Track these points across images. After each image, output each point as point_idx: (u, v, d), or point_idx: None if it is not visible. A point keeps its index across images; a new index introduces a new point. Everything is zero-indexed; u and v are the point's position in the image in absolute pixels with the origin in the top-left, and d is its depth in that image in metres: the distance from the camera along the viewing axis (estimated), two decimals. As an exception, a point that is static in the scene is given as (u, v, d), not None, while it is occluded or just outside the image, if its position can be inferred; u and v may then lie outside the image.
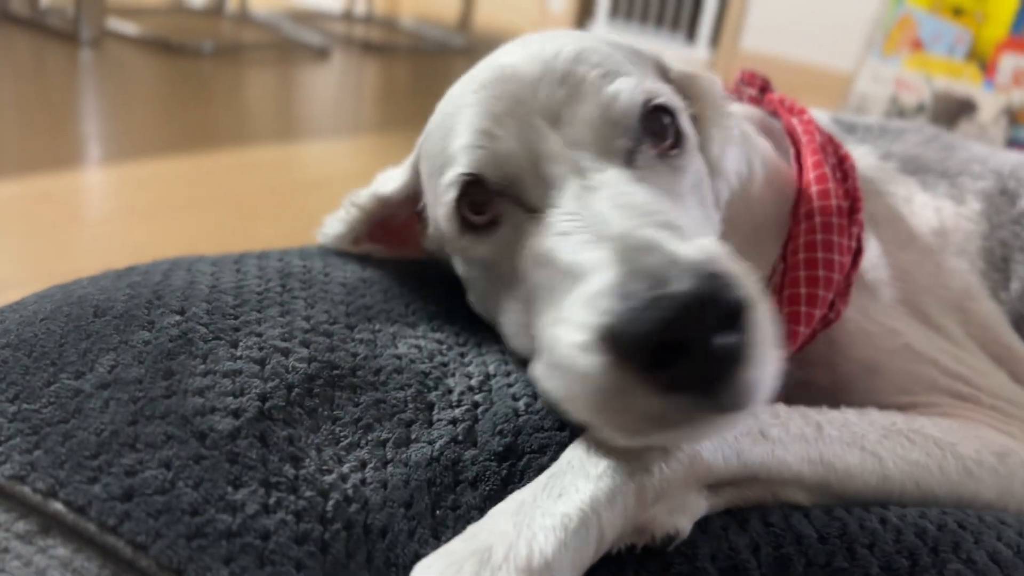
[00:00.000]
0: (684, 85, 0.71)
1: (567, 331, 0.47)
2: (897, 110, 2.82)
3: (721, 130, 0.70)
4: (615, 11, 6.35)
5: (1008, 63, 2.66)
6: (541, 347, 0.54)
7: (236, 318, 0.60)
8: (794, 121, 0.82)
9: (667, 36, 6.15)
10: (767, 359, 0.44)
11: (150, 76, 2.95)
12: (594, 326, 0.44)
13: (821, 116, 0.91)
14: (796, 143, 0.79)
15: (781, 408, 0.59)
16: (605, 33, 0.81)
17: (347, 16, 5.17)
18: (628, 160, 0.58)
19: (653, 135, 0.60)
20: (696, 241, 0.47)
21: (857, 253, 0.72)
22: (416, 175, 0.75)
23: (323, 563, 0.47)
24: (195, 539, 0.45)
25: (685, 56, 5.86)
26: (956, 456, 0.63)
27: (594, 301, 0.45)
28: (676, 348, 0.41)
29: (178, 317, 0.59)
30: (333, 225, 0.80)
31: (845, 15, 4.41)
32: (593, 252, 0.49)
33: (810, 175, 0.74)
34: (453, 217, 0.62)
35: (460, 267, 0.69)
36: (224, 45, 3.58)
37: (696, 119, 0.70)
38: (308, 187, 2.09)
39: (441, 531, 0.50)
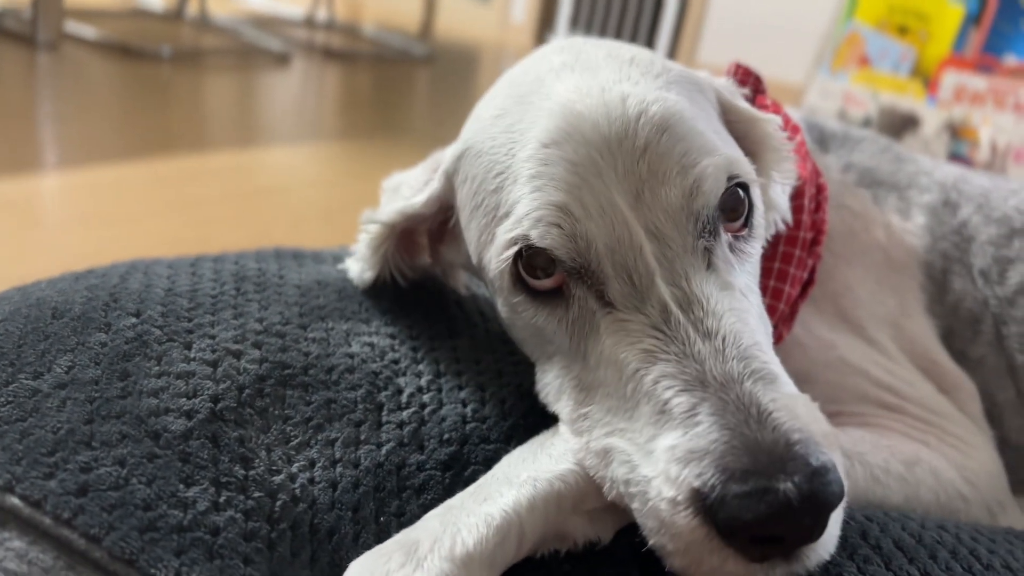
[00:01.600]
0: (744, 125, 0.68)
1: (660, 479, 0.46)
2: (844, 124, 2.90)
3: (783, 174, 0.68)
4: (575, 22, 6.41)
5: (950, 80, 2.76)
6: (586, 429, 0.54)
7: (190, 320, 0.62)
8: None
9: (626, 47, 6.23)
10: (838, 520, 0.46)
11: (108, 80, 2.93)
12: (690, 488, 0.44)
13: (798, 120, 0.88)
14: None
15: None
16: (661, 57, 0.69)
17: (308, 22, 5.16)
18: (708, 259, 0.54)
19: (725, 211, 0.56)
20: (794, 401, 0.47)
21: (808, 283, 0.74)
22: (450, 188, 0.67)
23: (270, 560, 0.50)
24: (147, 532, 0.47)
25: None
26: (864, 464, 0.67)
27: (691, 460, 0.44)
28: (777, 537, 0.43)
29: (134, 319, 0.61)
30: (359, 259, 0.74)
31: (797, 30, 4.52)
32: (688, 396, 0.47)
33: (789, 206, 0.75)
34: (507, 274, 0.57)
35: (503, 310, 0.63)
36: (183, 50, 3.57)
37: (751, 156, 0.66)
38: (268, 193, 2.10)
39: (384, 537, 0.52)
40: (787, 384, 0.49)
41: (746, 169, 0.57)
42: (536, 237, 0.53)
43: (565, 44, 0.66)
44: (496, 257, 0.57)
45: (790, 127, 0.77)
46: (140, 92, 2.86)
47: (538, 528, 0.50)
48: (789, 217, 0.70)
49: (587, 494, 0.52)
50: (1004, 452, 0.79)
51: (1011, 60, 2.67)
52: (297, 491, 0.53)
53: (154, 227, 1.73)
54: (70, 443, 0.51)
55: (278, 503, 0.52)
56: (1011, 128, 2.67)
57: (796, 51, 4.40)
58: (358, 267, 0.74)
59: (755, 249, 0.59)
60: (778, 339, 0.72)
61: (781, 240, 0.72)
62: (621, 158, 0.53)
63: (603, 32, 6.28)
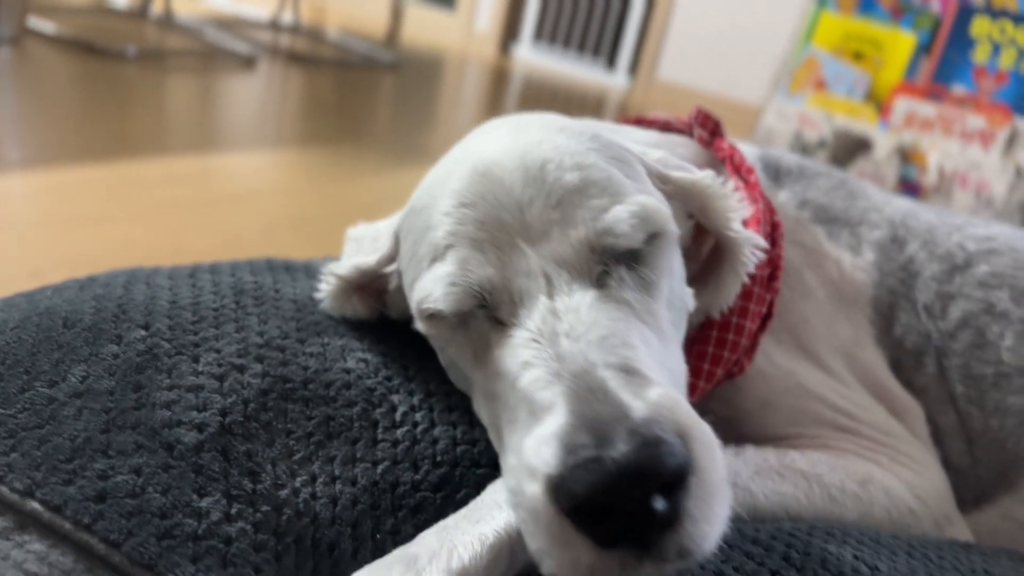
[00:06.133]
0: (682, 190, 0.71)
1: (521, 472, 0.48)
2: (800, 145, 2.99)
3: (733, 211, 0.71)
4: (539, 35, 6.48)
5: (901, 106, 2.86)
6: (502, 449, 0.57)
7: (196, 334, 0.65)
8: (740, 184, 0.85)
9: (588, 62, 6.31)
10: (713, 511, 0.46)
11: (71, 78, 2.90)
12: (541, 475, 0.46)
13: (752, 157, 0.96)
14: None
15: None
16: (591, 125, 0.69)
17: (273, 25, 5.14)
18: (600, 280, 0.58)
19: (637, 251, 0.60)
20: (652, 390, 0.48)
21: (767, 317, 0.79)
22: (396, 246, 0.74)
23: (277, 570, 0.53)
24: (164, 539, 0.50)
25: (605, 83, 6.02)
26: (821, 485, 0.73)
27: (543, 447, 0.46)
28: (611, 509, 0.43)
29: (143, 332, 0.63)
30: (324, 298, 0.78)
31: (755, 53, 4.63)
32: (548, 390, 0.50)
33: None
34: (422, 315, 0.63)
35: (433, 344, 0.70)
36: (148, 50, 3.54)
37: (702, 211, 0.71)
38: (230, 199, 2.11)
39: (380, 553, 0.56)
40: (650, 379, 0.50)
41: (662, 220, 0.61)
42: (440, 298, 0.59)
43: (514, 116, 0.71)
44: (414, 302, 0.63)
45: (744, 169, 0.83)
46: (104, 92, 2.84)
47: (527, 548, 0.54)
48: (760, 240, 0.73)
49: None
50: (948, 473, 0.85)
51: (959, 89, 2.79)
52: (300, 505, 0.56)
53: (122, 231, 1.73)
54: (87, 451, 0.53)
55: (284, 517, 0.55)
56: (957, 154, 2.78)
57: (755, 73, 4.51)
58: (325, 304, 0.77)
59: (663, 268, 0.62)
60: (740, 370, 0.77)
61: None
62: (534, 211, 0.58)
63: (566, 47, 6.36)
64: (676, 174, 0.71)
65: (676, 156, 0.82)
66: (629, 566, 0.44)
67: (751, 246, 0.71)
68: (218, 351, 0.64)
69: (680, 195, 0.71)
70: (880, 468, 0.78)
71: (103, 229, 1.72)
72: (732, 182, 0.74)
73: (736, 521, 0.65)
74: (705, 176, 0.72)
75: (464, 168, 0.63)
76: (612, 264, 0.58)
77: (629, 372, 0.50)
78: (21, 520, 0.50)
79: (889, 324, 0.90)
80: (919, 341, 0.89)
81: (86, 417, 0.55)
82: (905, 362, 0.89)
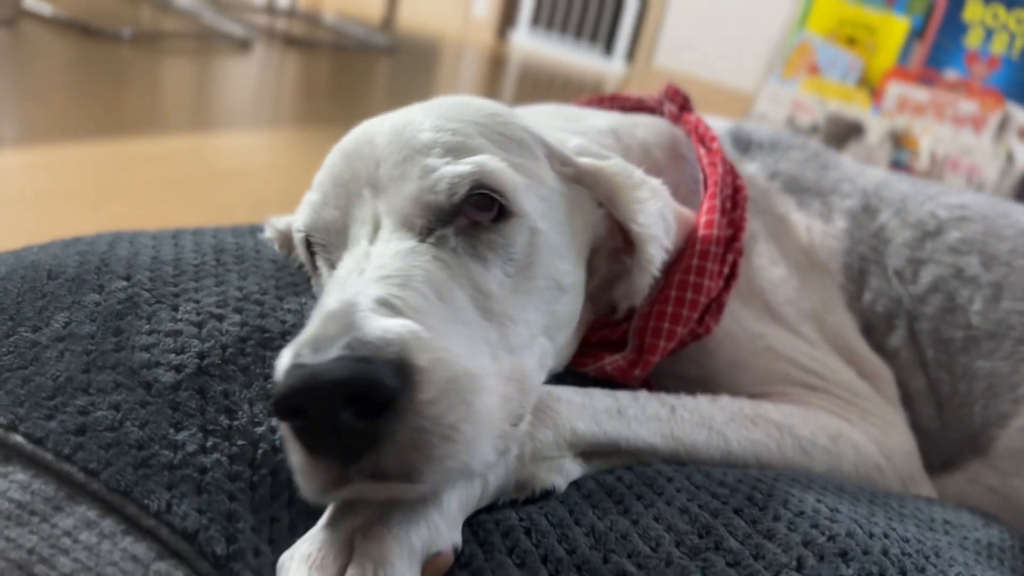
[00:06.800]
0: (588, 176, 0.73)
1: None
2: (793, 130, 3.01)
3: (639, 203, 0.71)
4: (536, 20, 6.49)
5: (894, 91, 2.88)
6: None
7: (176, 286, 0.67)
8: (702, 152, 0.88)
9: (586, 48, 6.32)
10: (431, 444, 0.47)
11: (67, 59, 2.91)
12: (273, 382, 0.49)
13: (720, 129, 1.00)
14: (705, 178, 0.86)
15: (642, 393, 0.71)
16: (515, 112, 0.76)
17: (269, 8, 5.15)
18: (425, 234, 0.61)
19: (478, 209, 0.62)
20: (395, 321, 0.49)
21: (730, 278, 0.80)
22: None
23: (252, 499, 0.55)
24: (141, 468, 0.52)
25: (602, 68, 6.02)
26: (793, 436, 0.75)
27: (282, 358, 0.48)
28: (309, 415, 0.45)
29: (124, 282, 0.65)
30: (271, 243, 0.85)
31: (750, 39, 4.64)
32: (315, 314, 0.53)
33: (702, 215, 0.81)
34: (305, 254, 0.70)
35: None
36: (144, 31, 3.55)
37: (610, 200, 0.73)
38: (222, 177, 2.12)
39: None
40: (404, 314, 0.51)
41: (498, 180, 0.63)
42: (301, 221, 0.67)
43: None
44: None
45: (708, 138, 0.87)
46: (99, 73, 2.85)
47: (500, 475, 0.57)
48: (668, 240, 0.74)
49: (544, 444, 0.59)
50: (916, 436, 0.87)
51: (951, 74, 2.80)
52: (277, 442, 0.58)
53: (114, 208, 1.75)
54: (69, 389, 0.55)
55: (259, 451, 0.57)
56: (949, 139, 2.80)
57: (748, 60, 4.52)
58: (283, 256, 0.82)
59: (511, 240, 0.63)
60: (707, 331, 0.78)
61: (697, 240, 0.78)
62: (384, 165, 0.64)
63: (564, 32, 6.36)
64: (581, 159, 0.73)
65: (634, 135, 0.88)
66: (335, 474, 0.46)
67: (657, 244, 0.72)
68: (197, 301, 0.66)
69: (585, 180, 0.72)
70: (849, 425, 0.80)
71: (95, 206, 1.74)
72: (640, 172, 0.74)
73: (706, 465, 0.68)
74: (612, 164, 0.73)
75: (346, 138, 0.69)
76: (437, 223, 0.61)
77: (386, 305, 0.51)
78: (5, 453, 0.52)
79: (860, 289, 0.92)
80: (890, 306, 0.91)
81: (68, 359, 0.57)
82: (876, 327, 0.91)
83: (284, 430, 0.48)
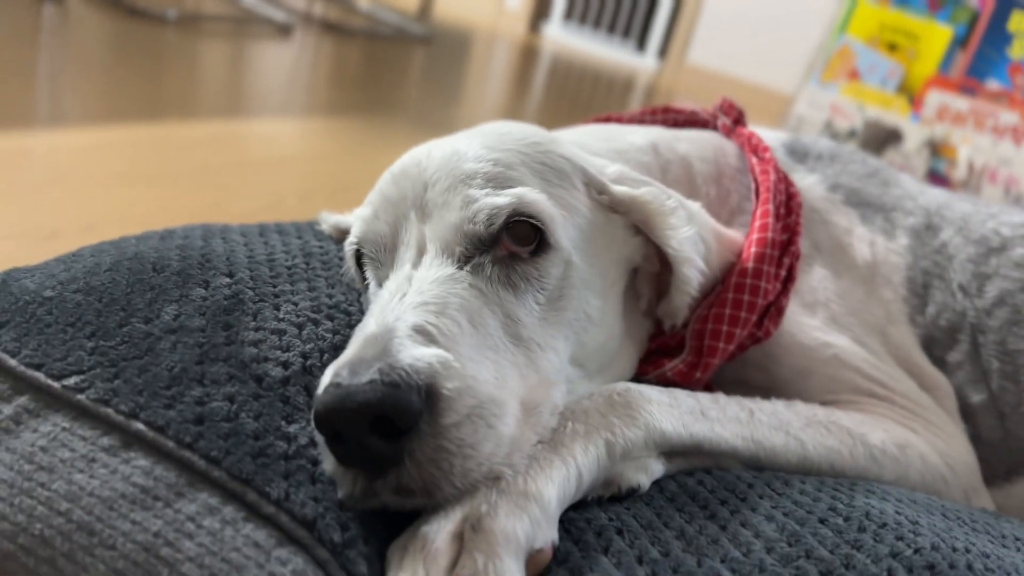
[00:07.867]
0: (625, 206, 0.75)
1: None
2: (831, 134, 3.01)
3: (672, 229, 0.74)
4: (569, 14, 6.48)
5: (934, 99, 2.87)
6: None
7: (274, 287, 0.71)
8: (754, 161, 0.92)
9: (618, 43, 6.31)
10: (451, 464, 0.52)
11: (111, 39, 2.95)
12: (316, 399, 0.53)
13: (774, 140, 1.03)
14: (757, 186, 0.90)
15: (720, 396, 0.73)
16: (556, 139, 0.80)
17: (307, -6, 5.17)
18: (464, 261, 0.64)
19: (516, 240, 0.66)
20: (429, 349, 0.54)
21: (788, 280, 0.83)
22: None
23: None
24: (259, 458, 0.54)
25: (634, 64, 6.01)
26: (865, 444, 0.77)
27: (325, 377, 0.53)
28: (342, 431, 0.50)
29: (228, 279, 0.68)
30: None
31: (788, 40, 4.62)
32: (355, 337, 0.59)
33: (756, 220, 0.84)
34: (354, 266, 0.75)
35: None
36: (187, 13, 3.58)
37: (646, 226, 0.75)
38: (265, 163, 2.15)
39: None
40: (438, 342, 0.56)
41: (535, 211, 0.66)
42: (355, 233, 0.71)
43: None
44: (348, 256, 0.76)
45: (760, 149, 0.91)
46: (142, 53, 2.89)
47: (592, 471, 0.60)
48: (699, 263, 0.76)
49: (634, 444, 0.61)
50: (978, 447, 0.89)
51: (993, 84, 2.79)
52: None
53: (163, 191, 1.79)
54: (184, 380, 0.58)
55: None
56: (988, 149, 2.78)
57: (786, 60, 4.50)
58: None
59: (545, 272, 0.67)
60: (766, 335, 0.81)
61: (753, 243, 0.81)
62: (431, 191, 0.68)
63: (596, 27, 6.36)
64: (617, 188, 0.75)
65: (674, 149, 0.91)
66: (361, 487, 0.52)
67: (692, 267, 0.74)
68: (295, 304, 0.69)
69: (621, 208, 0.75)
70: (915, 435, 0.82)
71: (144, 188, 1.78)
72: (675, 198, 0.77)
73: (783, 472, 0.70)
74: (646, 192, 0.75)
75: (398, 161, 0.73)
76: (476, 251, 0.65)
77: (422, 332, 0.56)
78: (126, 439, 0.55)
79: (923, 303, 0.94)
80: (954, 319, 0.93)
81: (180, 350, 0.60)
82: (939, 340, 0.93)
83: (319, 439, 0.54)
